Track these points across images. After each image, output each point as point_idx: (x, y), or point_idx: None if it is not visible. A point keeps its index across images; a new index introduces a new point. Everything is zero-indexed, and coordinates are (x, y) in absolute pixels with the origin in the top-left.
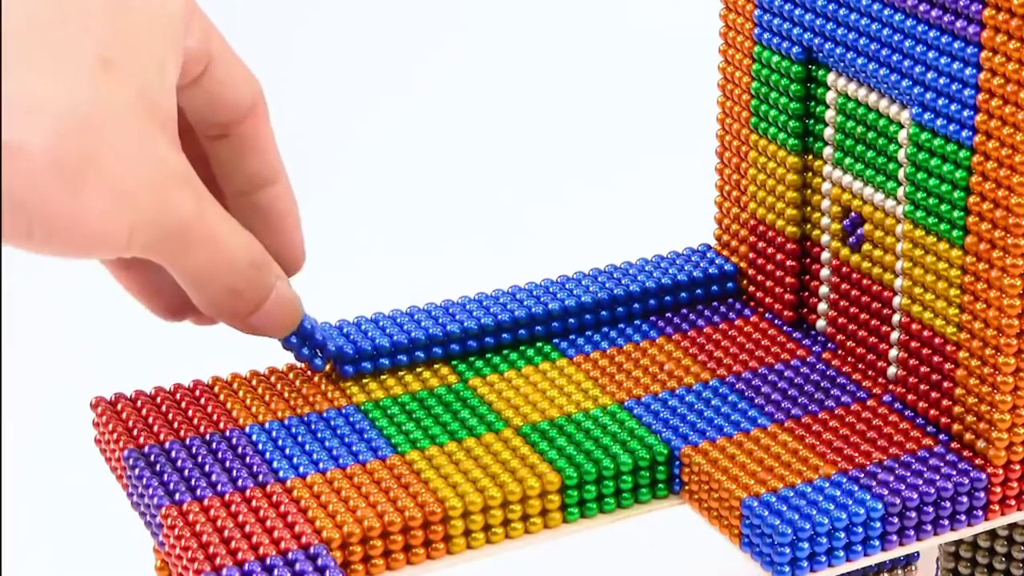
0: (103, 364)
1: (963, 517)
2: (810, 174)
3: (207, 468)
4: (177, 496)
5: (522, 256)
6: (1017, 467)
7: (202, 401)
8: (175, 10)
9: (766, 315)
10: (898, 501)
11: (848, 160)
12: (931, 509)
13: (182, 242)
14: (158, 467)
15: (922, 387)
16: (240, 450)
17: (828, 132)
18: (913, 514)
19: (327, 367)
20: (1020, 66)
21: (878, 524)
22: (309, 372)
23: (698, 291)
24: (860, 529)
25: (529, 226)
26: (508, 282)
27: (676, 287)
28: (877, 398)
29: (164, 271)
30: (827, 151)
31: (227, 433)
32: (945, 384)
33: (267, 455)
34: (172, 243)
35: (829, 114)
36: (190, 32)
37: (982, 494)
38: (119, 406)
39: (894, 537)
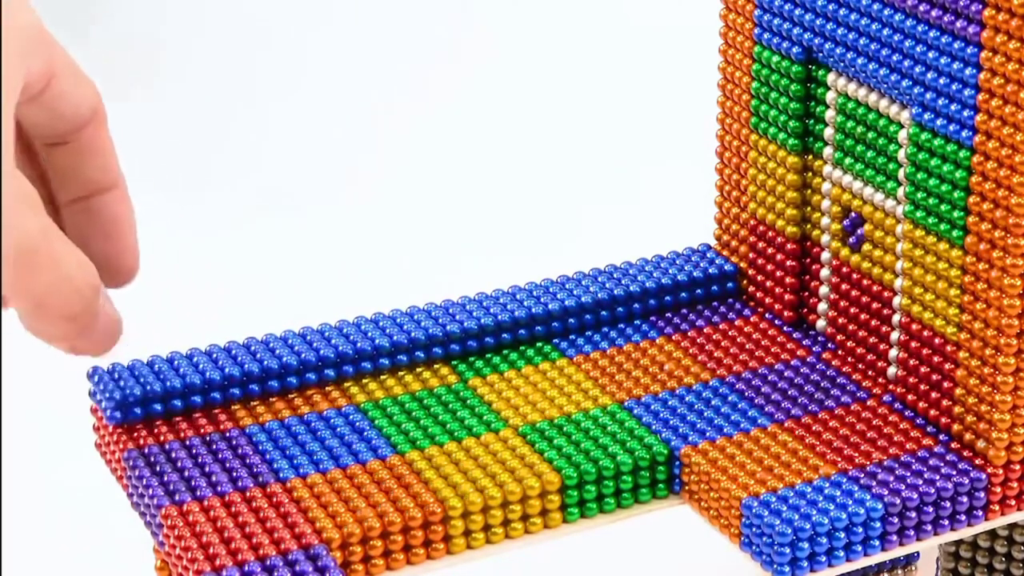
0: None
1: (963, 517)
2: (810, 174)
3: (207, 468)
4: (177, 496)
5: (522, 256)
6: (1017, 467)
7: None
8: (23, 32)
9: (766, 315)
10: (898, 501)
11: (848, 160)
12: (931, 509)
13: (27, 265)
14: (158, 467)
15: (922, 387)
16: (240, 450)
17: (828, 132)
18: (913, 514)
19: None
20: (1020, 66)
21: (878, 524)
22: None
23: (698, 291)
24: (860, 529)
25: (529, 226)
26: (508, 282)
27: (676, 287)
28: (877, 398)
29: None
30: (827, 151)
31: (227, 433)
32: (945, 384)
33: (267, 455)
34: (16, 266)
35: (829, 114)
36: (36, 53)
37: (982, 494)
38: None
39: (894, 537)
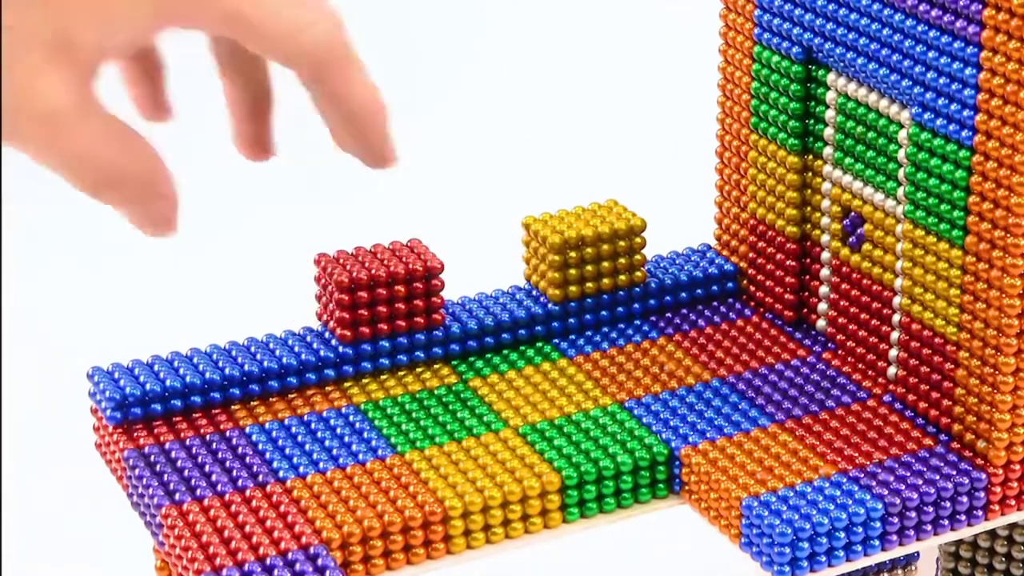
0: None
1: (963, 517)
2: (810, 174)
3: (207, 468)
4: (177, 496)
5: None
6: (1017, 467)
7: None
8: None
9: (766, 315)
10: (898, 501)
11: (848, 160)
12: (931, 509)
13: (49, 127)
14: (158, 467)
15: (922, 387)
16: (240, 450)
17: (828, 132)
18: (913, 514)
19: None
20: (1020, 66)
21: (878, 524)
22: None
23: (698, 291)
24: (860, 529)
25: None
26: (508, 282)
27: (676, 287)
28: (877, 398)
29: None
30: (827, 151)
31: (227, 433)
32: (945, 384)
33: (267, 455)
34: (40, 126)
35: (829, 114)
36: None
37: (982, 494)
38: None
39: (894, 537)
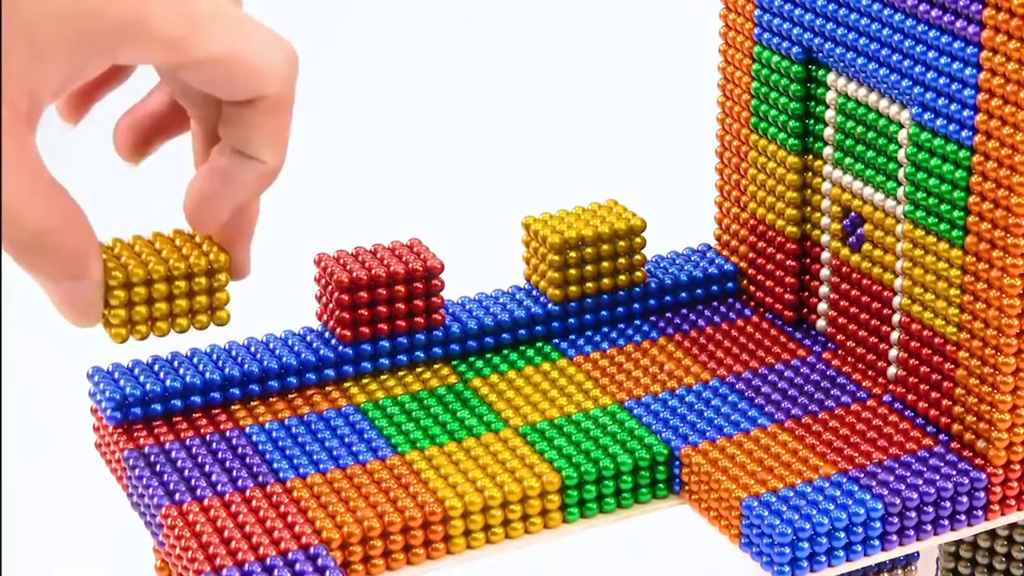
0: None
1: (963, 517)
2: (810, 174)
3: (207, 468)
4: (177, 496)
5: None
6: (1017, 467)
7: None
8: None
9: (766, 315)
10: (898, 501)
11: (848, 160)
12: (931, 509)
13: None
14: (158, 467)
15: (922, 387)
16: (240, 450)
17: (828, 132)
18: (913, 514)
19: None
20: (1020, 66)
21: (878, 524)
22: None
23: (698, 291)
24: (860, 529)
25: None
26: (508, 282)
27: (676, 287)
28: (877, 398)
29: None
30: (827, 151)
31: (227, 433)
32: (945, 384)
33: (267, 455)
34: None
35: (829, 114)
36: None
37: (982, 494)
38: None
39: (894, 537)
